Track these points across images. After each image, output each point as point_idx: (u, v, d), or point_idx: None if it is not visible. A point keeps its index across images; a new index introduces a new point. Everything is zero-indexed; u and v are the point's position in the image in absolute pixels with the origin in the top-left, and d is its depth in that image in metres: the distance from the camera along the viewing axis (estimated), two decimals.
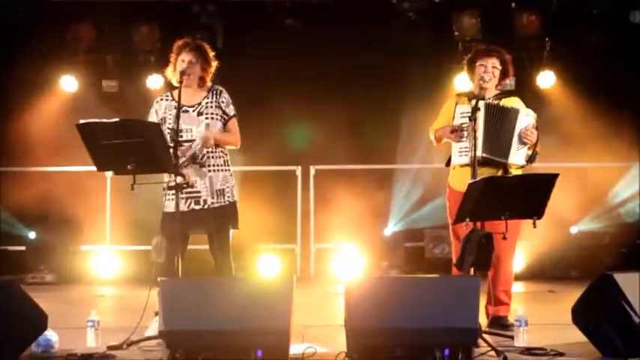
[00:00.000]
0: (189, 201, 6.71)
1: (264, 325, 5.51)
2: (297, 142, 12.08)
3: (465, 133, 6.82)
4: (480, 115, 6.76)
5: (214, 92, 6.87)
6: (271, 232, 11.47)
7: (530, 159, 6.93)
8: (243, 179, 11.29)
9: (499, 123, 6.84)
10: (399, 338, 5.55)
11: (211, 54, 6.92)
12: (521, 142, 6.86)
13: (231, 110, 6.88)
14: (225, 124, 6.85)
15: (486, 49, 7.21)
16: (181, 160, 6.57)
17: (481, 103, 6.78)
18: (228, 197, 6.83)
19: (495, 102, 6.95)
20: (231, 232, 6.88)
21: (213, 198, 6.77)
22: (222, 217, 6.81)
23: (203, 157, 6.74)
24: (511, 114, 6.88)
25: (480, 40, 11.16)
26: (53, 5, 11.68)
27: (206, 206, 6.76)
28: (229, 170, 6.90)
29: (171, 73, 6.90)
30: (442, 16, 11.80)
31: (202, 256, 7.08)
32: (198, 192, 6.74)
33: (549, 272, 11.23)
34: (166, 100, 6.88)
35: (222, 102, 6.85)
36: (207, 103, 6.82)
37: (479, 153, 6.73)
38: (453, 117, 6.97)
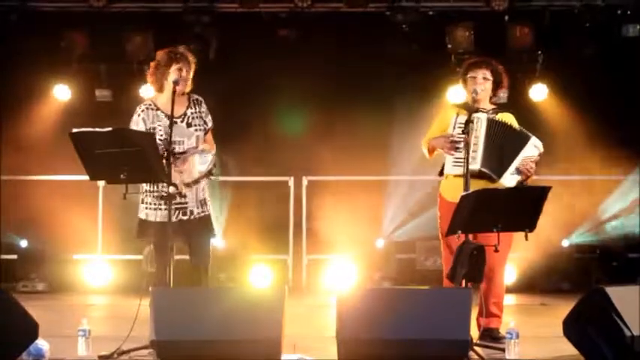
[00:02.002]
0: (177, 212, 6.68)
1: (256, 335, 5.52)
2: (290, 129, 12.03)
3: (461, 145, 6.81)
4: (481, 129, 6.77)
5: (195, 102, 6.85)
6: (263, 243, 11.44)
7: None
8: (236, 189, 11.30)
9: (504, 141, 6.82)
10: (390, 349, 5.56)
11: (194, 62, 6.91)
12: (518, 170, 6.85)
13: (209, 120, 6.89)
14: (204, 135, 6.86)
15: (476, 60, 7.21)
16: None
17: (483, 116, 6.80)
18: (208, 207, 6.87)
19: (501, 119, 6.93)
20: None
21: (198, 208, 6.78)
22: (205, 227, 6.83)
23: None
24: (521, 138, 6.85)
25: (473, 52, 11.17)
26: (47, 13, 11.67)
27: (192, 217, 6.75)
28: (205, 181, 6.91)
29: (154, 83, 6.86)
30: (435, 28, 11.82)
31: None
32: (186, 202, 6.73)
33: (541, 285, 11.22)
34: (152, 109, 6.80)
35: (203, 112, 6.85)
36: (192, 113, 6.81)
37: (477, 166, 6.74)
38: (454, 127, 6.94)
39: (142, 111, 6.82)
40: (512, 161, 6.83)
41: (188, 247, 6.85)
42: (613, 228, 11.72)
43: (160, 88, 6.79)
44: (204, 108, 6.87)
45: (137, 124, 6.78)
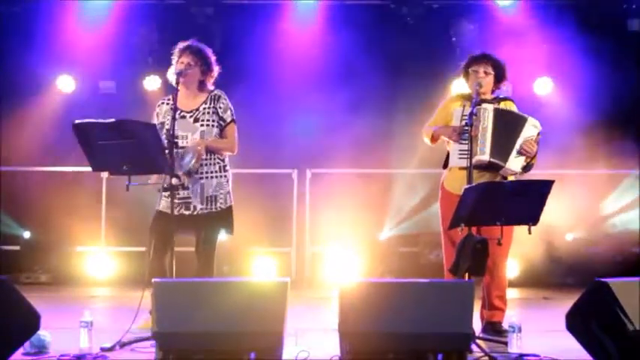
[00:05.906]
0: (179, 206, 6.66)
1: (258, 327, 5.50)
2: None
3: (467, 136, 6.78)
4: (489, 119, 6.76)
5: (212, 98, 6.83)
6: (267, 235, 11.45)
7: (525, 168, 6.93)
8: (239, 182, 11.28)
9: (506, 128, 6.83)
10: (392, 343, 5.54)
11: (213, 58, 6.89)
12: (520, 152, 6.85)
13: (228, 116, 6.83)
14: (222, 130, 6.83)
15: (478, 55, 7.21)
16: (178, 172, 6.54)
17: (489, 107, 6.80)
18: (221, 204, 6.79)
19: (505, 108, 6.94)
20: (219, 237, 6.85)
21: (202, 204, 6.73)
22: (211, 224, 6.78)
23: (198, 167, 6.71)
24: (519, 121, 6.88)
25: (478, 45, 11.15)
26: (53, 4, 11.68)
27: (195, 212, 6.73)
28: (225, 176, 6.85)
29: (172, 75, 6.86)
30: (440, 21, 11.80)
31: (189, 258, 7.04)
32: (189, 198, 6.71)
33: (544, 279, 11.22)
34: (167, 104, 6.84)
35: (220, 107, 6.80)
36: (204, 108, 6.79)
37: (486, 157, 6.74)
38: (461, 118, 6.91)
39: (158, 106, 6.93)
40: (514, 145, 6.83)
41: (195, 239, 6.84)
42: (615, 223, 11.70)
43: (176, 84, 6.73)
44: (222, 103, 6.82)
45: (153, 120, 6.84)
